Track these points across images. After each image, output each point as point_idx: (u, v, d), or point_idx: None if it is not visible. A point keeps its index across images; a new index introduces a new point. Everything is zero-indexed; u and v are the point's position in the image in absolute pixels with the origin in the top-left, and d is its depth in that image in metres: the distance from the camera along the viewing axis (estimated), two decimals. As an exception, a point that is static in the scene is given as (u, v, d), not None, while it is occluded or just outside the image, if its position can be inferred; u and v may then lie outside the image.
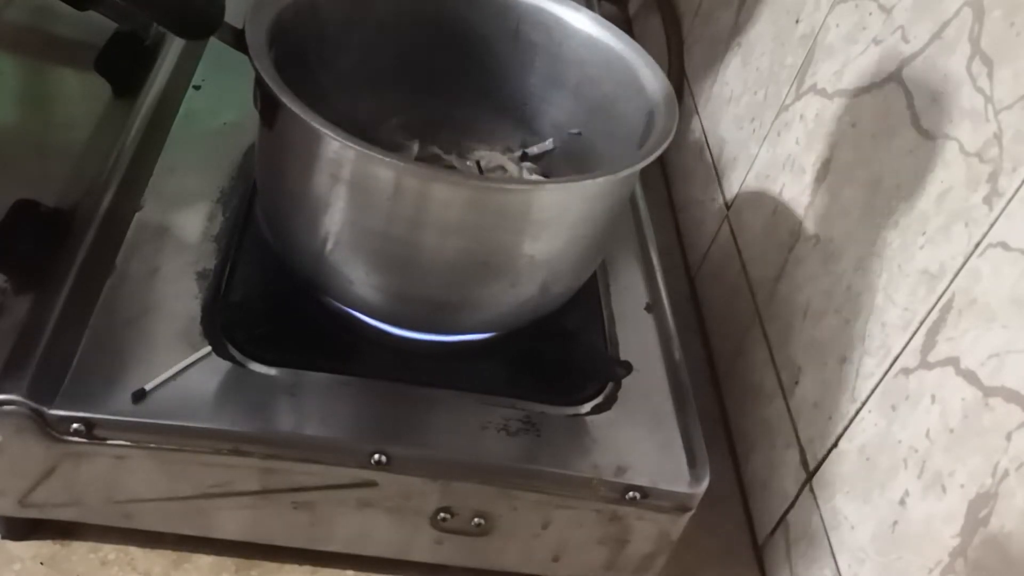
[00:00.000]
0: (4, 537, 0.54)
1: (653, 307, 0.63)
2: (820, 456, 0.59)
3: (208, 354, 0.52)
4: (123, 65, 0.68)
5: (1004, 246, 0.47)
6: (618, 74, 0.59)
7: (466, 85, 0.64)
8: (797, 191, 0.68)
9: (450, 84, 0.64)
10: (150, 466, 0.50)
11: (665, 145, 0.52)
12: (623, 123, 0.59)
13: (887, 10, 0.60)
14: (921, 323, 0.52)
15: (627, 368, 0.57)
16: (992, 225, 0.48)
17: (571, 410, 0.55)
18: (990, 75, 0.50)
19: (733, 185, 0.79)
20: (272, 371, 0.53)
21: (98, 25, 0.67)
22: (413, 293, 0.53)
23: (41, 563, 0.53)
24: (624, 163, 0.52)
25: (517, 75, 0.64)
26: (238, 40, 0.50)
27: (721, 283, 0.78)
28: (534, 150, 0.65)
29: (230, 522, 0.53)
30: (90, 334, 0.51)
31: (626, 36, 0.60)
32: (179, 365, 0.51)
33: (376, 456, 0.50)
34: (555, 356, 0.58)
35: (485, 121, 0.66)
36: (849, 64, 0.64)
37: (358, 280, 0.52)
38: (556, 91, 0.63)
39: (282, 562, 0.56)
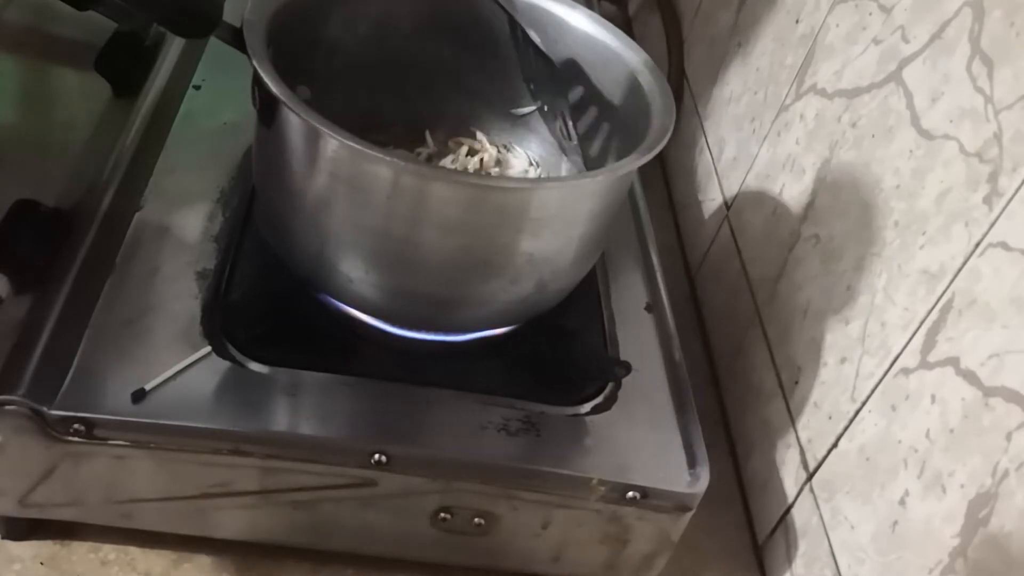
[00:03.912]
0: (4, 537, 0.54)
1: (653, 307, 0.63)
2: (820, 456, 0.59)
3: (208, 354, 0.52)
4: (123, 65, 0.68)
5: (1004, 246, 0.47)
6: (614, 72, 0.59)
7: (462, 82, 0.65)
8: (797, 191, 0.68)
9: (446, 81, 0.64)
10: (150, 466, 0.50)
11: (663, 143, 0.52)
12: (620, 120, 0.59)
13: (887, 10, 0.60)
14: (921, 323, 0.52)
15: (627, 368, 0.57)
16: (992, 225, 0.48)
17: (571, 410, 0.55)
18: (990, 75, 0.50)
19: (733, 185, 0.79)
20: (272, 371, 0.52)
21: (98, 25, 0.67)
22: (413, 291, 0.53)
23: (41, 563, 0.53)
24: (622, 161, 0.52)
25: (513, 72, 0.64)
26: (236, 38, 0.50)
27: (721, 283, 0.78)
28: (522, 111, 0.65)
29: (230, 522, 0.53)
30: (90, 334, 0.51)
31: (622, 34, 0.60)
32: (179, 365, 0.51)
33: (376, 456, 0.50)
34: (555, 356, 0.58)
35: (481, 118, 0.66)
36: (849, 64, 0.64)
37: (357, 278, 0.52)
38: (552, 88, 0.63)
39: (282, 562, 0.56)
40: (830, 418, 0.59)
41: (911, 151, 0.55)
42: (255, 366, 0.52)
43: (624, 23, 1.10)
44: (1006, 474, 0.45)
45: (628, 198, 0.71)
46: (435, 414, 0.53)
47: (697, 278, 0.83)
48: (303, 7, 0.56)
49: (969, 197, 0.50)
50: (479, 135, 0.66)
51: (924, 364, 0.51)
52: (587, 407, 0.56)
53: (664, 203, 0.92)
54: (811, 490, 0.60)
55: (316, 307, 0.56)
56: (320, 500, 0.52)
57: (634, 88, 0.58)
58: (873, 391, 0.55)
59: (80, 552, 0.54)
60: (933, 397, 0.50)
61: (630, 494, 0.53)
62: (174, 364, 0.51)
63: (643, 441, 0.55)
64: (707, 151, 0.86)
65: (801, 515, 0.61)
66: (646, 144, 0.52)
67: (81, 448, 0.49)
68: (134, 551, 0.55)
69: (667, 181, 0.94)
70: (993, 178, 0.48)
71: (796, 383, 0.63)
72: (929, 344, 0.51)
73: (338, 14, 0.60)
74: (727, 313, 0.76)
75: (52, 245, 0.55)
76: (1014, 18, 0.49)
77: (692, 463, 0.54)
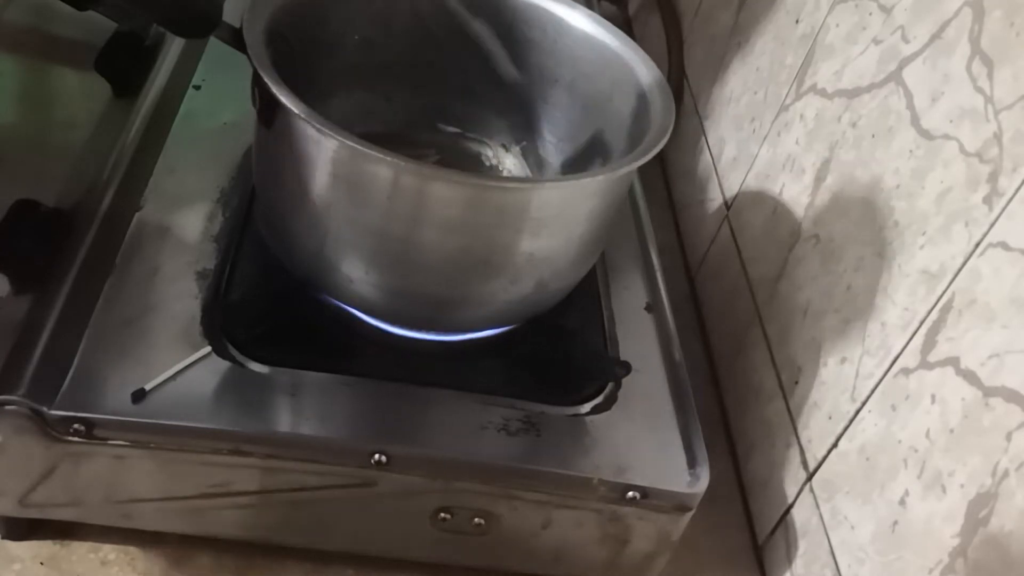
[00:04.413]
0: (4, 537, 0.54)
1: (653, 307, 0.63)
2: (820, 456, 0.59)
3: (208, 354, 0.52)
4: (123, 65, 0.68)
5: (1004, 246, 0.47)
6: (613, 71, 0.59)
7: (461, 81, 0.65)
8: (797, 191, 0.68)
9: (445, 80, 0.64)
10: (150, 466, 0.50)
11: (663, 142, 0.52)
12: (619, 120, 0.59)
13: (887, 10, 0.60)
14: (921, 323, 0.52)
15: (627, 368, 0.57)
16: (992, 225, 0.48)
17: (571, 410, 0.55)
18: (990, 75, 0.50)
19: (733, 185, 0.79)
20: (272, 371, 0.52)
21: (98, 25, 0.67)
22: (413, 290, 0.53)
23: (41, 563, 0.53)
24: (622, 161, 0.52)
25: (511, 71, 0.64)
26: (236, 39, 0.50)
27: (721, 283, 0.78)
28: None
29: (230, 522, 0.53)
30: (90, 334, 0.51)
31: (622, 33, 0.60)
32: (179, 365, 0.51)
33: (376, 456, 0.50)
34: (555, 356, 0.58)
35: (480, 117, 0.66)
36: (849, 64, 0.64)
37: (358, 278, 0.52)
38: (551, 88, 0.63)
39: (282, 562, 0.56)
40: (830, 418, 0.59)
41: (911, 151, 0.55)
42: (255, 366, 0.52)
43: (624, 23, 1.10)
44: (1006, 474, 0.45)
45: (628, 198, 0.71)
46: (435, 414, 0.53)
47: (697, 278, 0.83)
48: (302, 7, 0.56)
49: (969, 197, 0.50)
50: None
51: (924, 364, 0.51)
52: (587, 407, 0.56)
53: (664, 203, 0.92)
54: (811, 490, 0.60)
55: (316, 307, 0.56)
56: (320, 500, 0.52)
57: (634, 88, 0.58)
58: (873, 391, 0.55)
59: (80, 552, 0.54)
60: (933, 397, 0.50)
61: (630, 494, 0.53)
62: (174, 364, 0.51)
63: (643, 441, 0.55)
64: (707, 151, 0.86)
65: (801, 515, 0.61)
66: (646, 144, 0.52)
67: (81, 448, 0.49)
68: (134, 551, 0.55)
69: (667, 181, 0.94)
70: (993, 178, 0.48)
71: (796, 383, 0.63)
72: (929, 344, 0.51)
73: (338, 14, 0.60)
74: (727, 313, 0.76)
75: (52, 245, 0.55)
76: (1014, 18, 0.49)
77: (692, 463, 0.54)
